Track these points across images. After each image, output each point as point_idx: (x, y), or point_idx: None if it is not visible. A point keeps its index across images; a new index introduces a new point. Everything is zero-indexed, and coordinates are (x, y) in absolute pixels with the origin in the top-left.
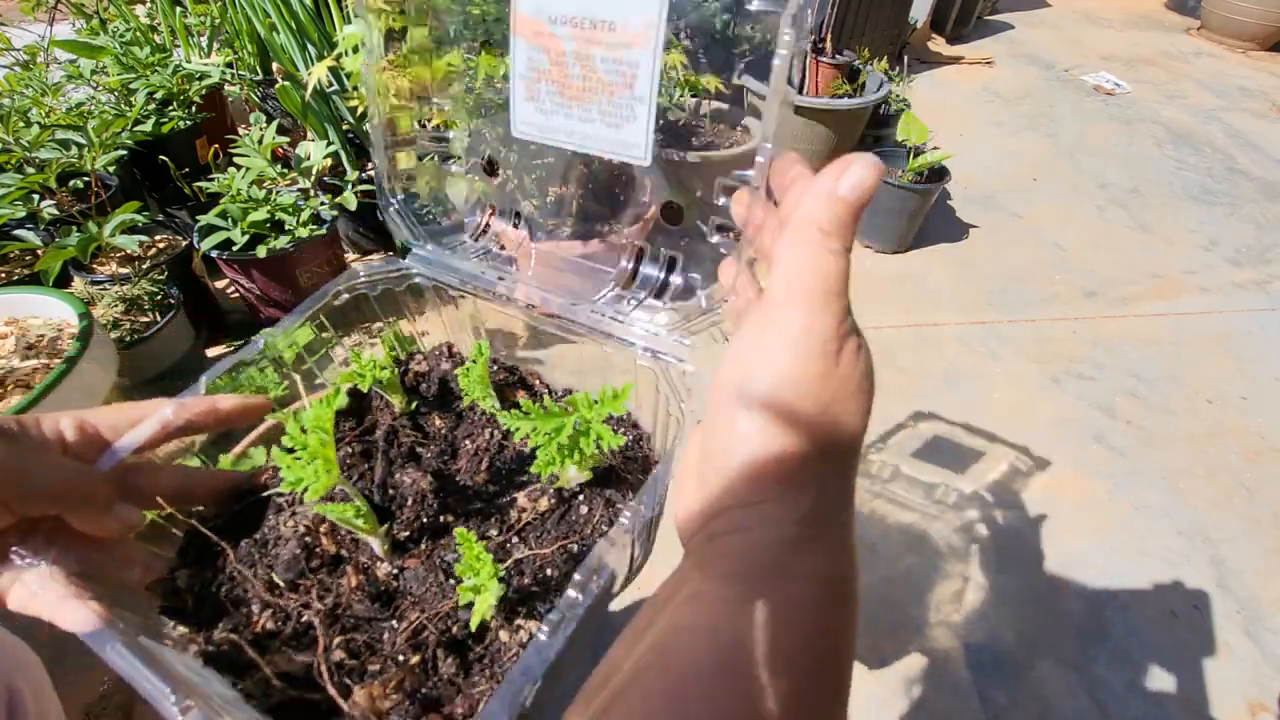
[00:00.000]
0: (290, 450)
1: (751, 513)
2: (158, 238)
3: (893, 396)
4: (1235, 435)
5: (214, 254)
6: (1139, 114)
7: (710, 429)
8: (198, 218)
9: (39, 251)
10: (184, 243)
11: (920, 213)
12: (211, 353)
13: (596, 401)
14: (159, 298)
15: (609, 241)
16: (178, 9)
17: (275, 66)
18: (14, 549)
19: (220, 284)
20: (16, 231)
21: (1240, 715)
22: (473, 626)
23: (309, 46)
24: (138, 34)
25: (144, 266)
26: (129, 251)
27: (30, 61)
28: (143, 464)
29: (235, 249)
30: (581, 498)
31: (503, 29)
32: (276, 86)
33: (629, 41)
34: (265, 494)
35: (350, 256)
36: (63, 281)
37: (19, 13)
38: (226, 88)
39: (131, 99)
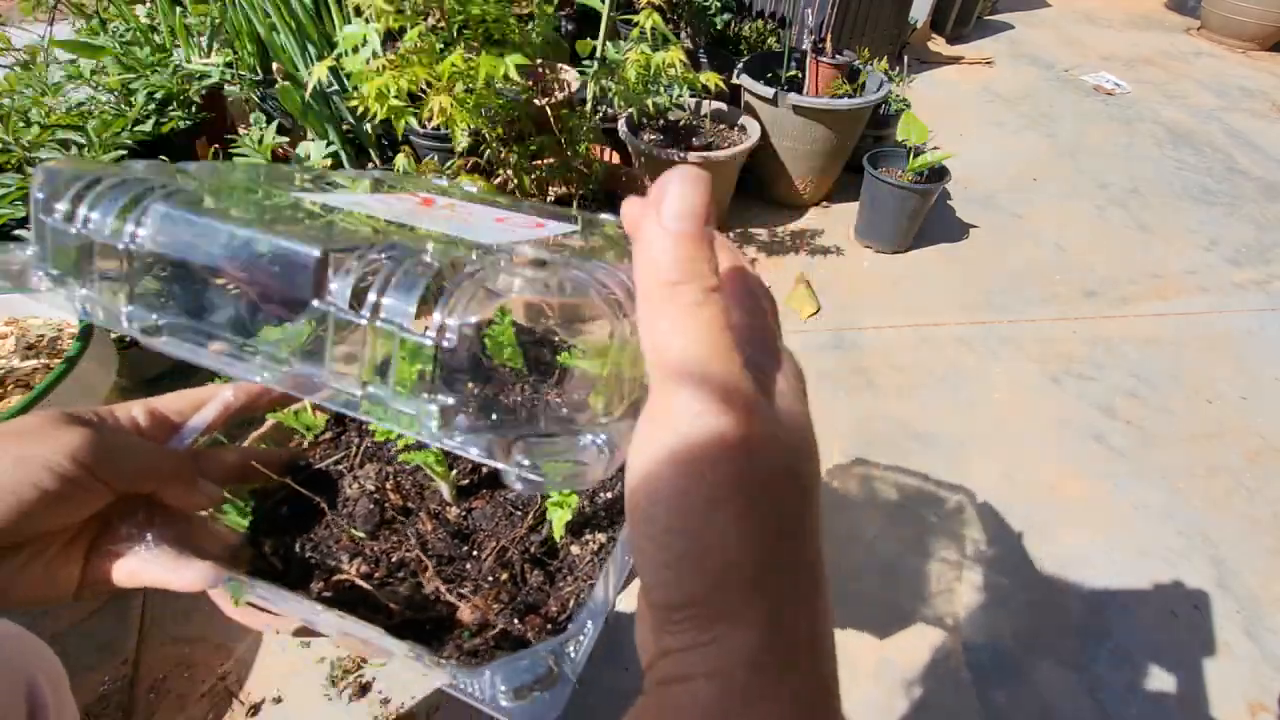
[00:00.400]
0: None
1: (696, 655)
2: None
3: (893, 396)
4: (1235, 435)
5: None
6: (1139, 114)
7: (634, 547)
8: None
9: None
10: None
11: (920, 213)
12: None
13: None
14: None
15: None
16: (178, 9)
17: (275, 66)
18: (123, 526)
19: None
20: (16, 231)
21: (1240, 715)
22: (556, 535)
23: (309, 46)
24: (138, 34)
25: None
26: None
27: (30, 61)
28: (206, 446)
29: None
30: None
31: None
32: (276, 86)
33: None
34: (321, 465)
35: None
36: None
37: (19, 13)
38: (226, 88)
39: (131, 99)
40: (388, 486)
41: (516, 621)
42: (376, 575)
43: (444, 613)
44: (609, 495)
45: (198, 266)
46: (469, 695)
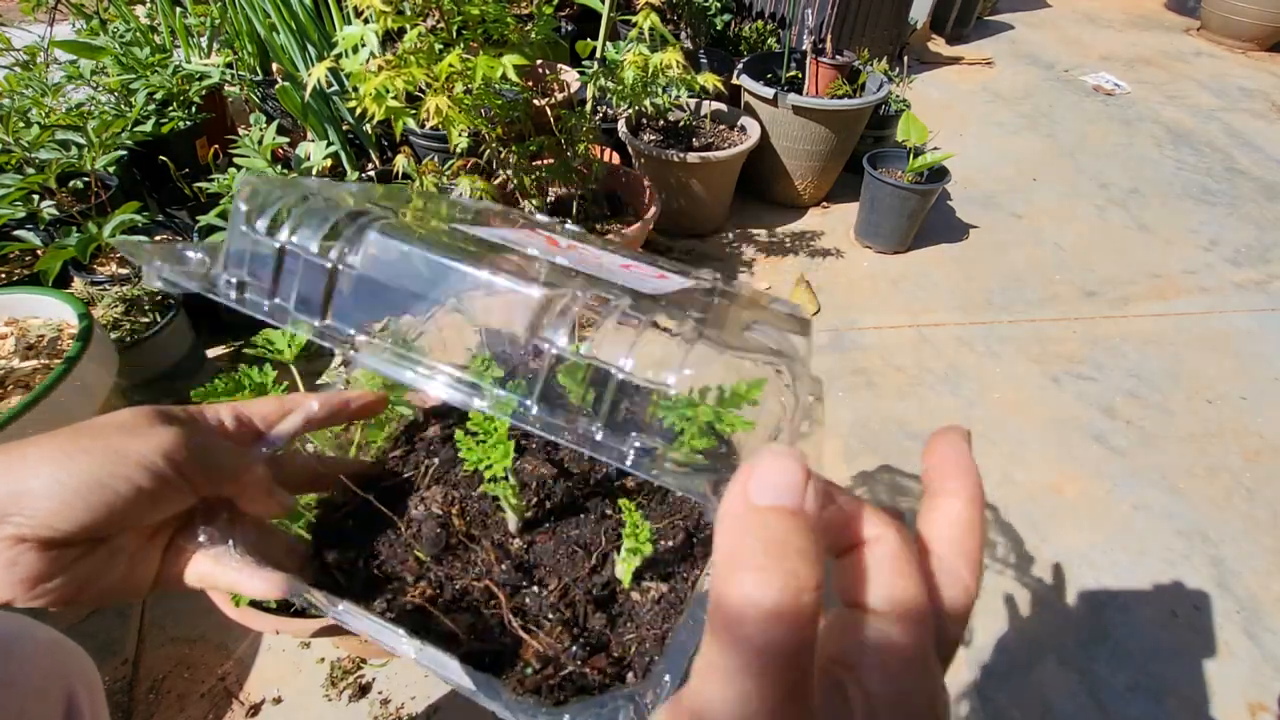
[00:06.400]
0: (473, 434)
1: None
2: (158, 238)
3: (892, 396)
4: (1235, 435)
5: None
6: (1139, 114)
7: None
8: (198, 218)
9: (39, 251)
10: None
11: (920, 213)
12: (211, 353)
13: (730, 395)
14: (159, 298)
15: None
16: (178, 9)
17: (275, 66)
18: (201, 528)
19: None
20: (16, 232)
21: (1240, 715)
22: (625, 582)
23: (309, 47)
24: (138, 34)
25: None
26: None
27: (30, 61)
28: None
29: None
30: None
31: None
32: (276, 87)
33: None
34: (394, 481)
35: None
36: (63, 282)
37: (19, 13)
38: (226, 88)
39: (131, 99)
40: (453, 511)
41: (579, 663)
42: (440, 599)
43: (508, 644)
44: (670, 543)
45: (401, 291)
46: None
